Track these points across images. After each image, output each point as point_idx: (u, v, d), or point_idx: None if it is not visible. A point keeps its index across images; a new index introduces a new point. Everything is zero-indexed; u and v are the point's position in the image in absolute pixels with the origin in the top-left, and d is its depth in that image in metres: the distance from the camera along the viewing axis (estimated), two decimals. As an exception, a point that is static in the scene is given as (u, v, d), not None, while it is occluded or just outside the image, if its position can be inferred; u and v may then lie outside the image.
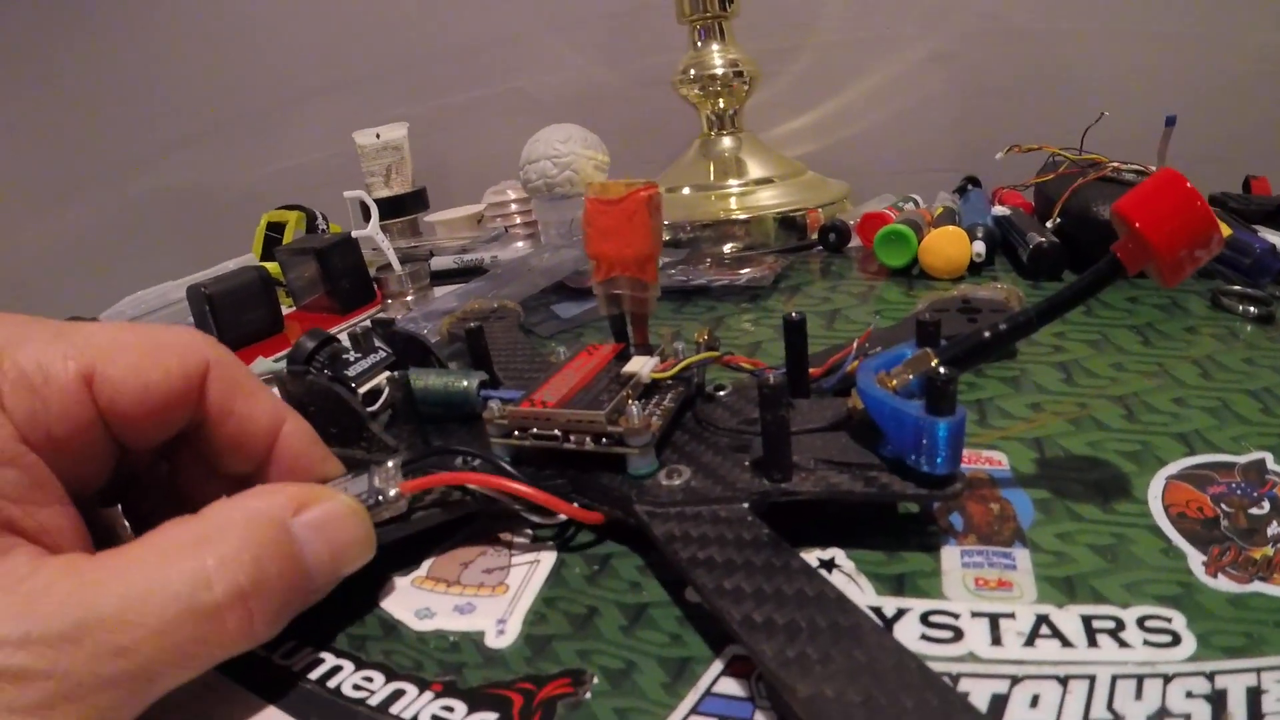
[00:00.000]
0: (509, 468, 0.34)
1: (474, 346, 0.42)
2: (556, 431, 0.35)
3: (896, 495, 0.30)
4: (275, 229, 1.01)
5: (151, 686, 0.25)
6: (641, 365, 0.36)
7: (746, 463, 0.33)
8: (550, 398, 0.35)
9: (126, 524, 0.35)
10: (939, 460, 0.29)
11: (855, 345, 0.39)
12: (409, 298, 0.81)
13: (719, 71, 0.84)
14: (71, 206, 1.66)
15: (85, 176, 1.64)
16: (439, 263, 0.89)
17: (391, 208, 1.09)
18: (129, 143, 1.58)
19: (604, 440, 0.34)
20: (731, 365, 0.38)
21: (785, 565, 0.28)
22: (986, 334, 0.33)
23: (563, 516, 0.34)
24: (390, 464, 0.34)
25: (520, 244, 0.92)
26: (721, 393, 0.39)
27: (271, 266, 0.87)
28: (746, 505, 0.31)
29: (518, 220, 1.04)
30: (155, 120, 1.55)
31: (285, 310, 0.84)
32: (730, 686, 0.26)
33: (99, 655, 0.24)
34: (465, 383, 0.40)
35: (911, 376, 0.32)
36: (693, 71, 0.85)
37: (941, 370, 0.28)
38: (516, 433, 0.36)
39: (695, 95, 0.86)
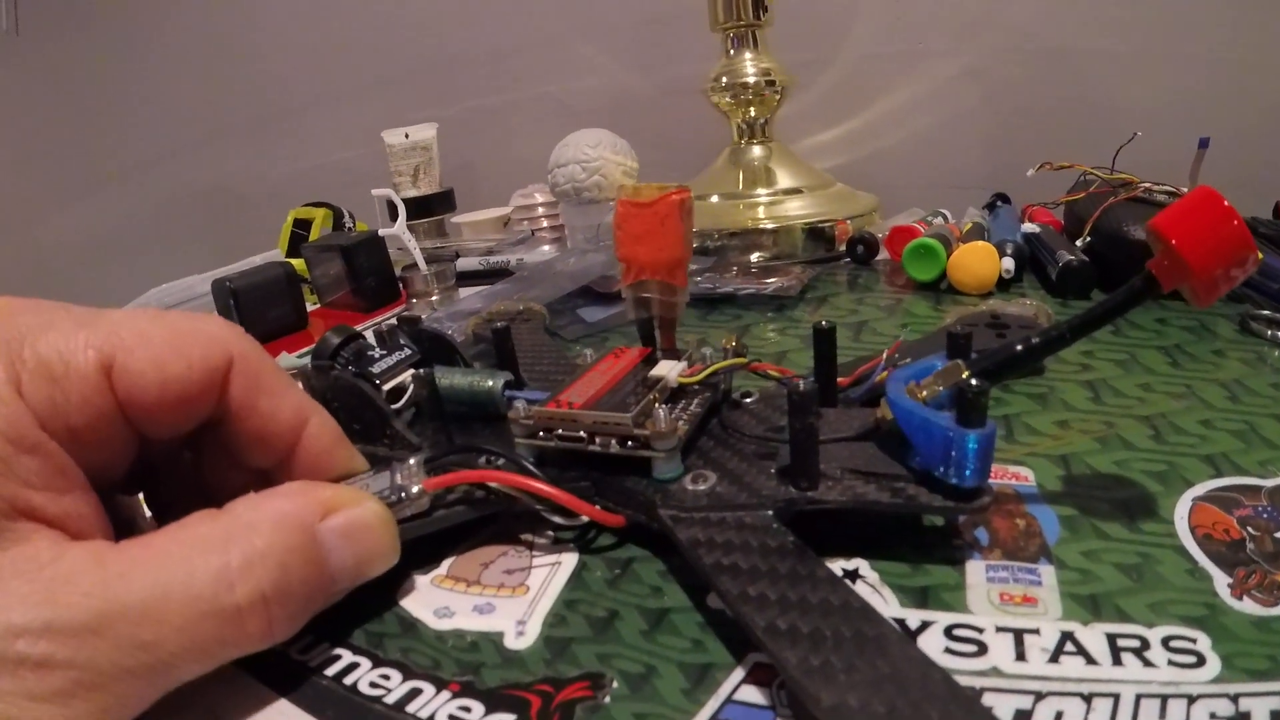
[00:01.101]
0: (532, 468, 0.34)
1: (500, 347, 0.42)
2: (582, 433, 0.34)
3: (924, 507, 0.30)
4: (302, 226, 1.02)
5: (169, 678, 0.25)
6: (669, 369, 0.36)
7: (773, 470, 0.33)
8: (577, 399, 0.35)
9: (148, 512, 0.35)
10: (968, 473, 0.29)
11: (885, 356, 0.39)
12: (434, 298, 0.81)
13: (751, 80, 0.84)
14: (100, 199, 1.68)
15: (114, 170, 1.65)
16: (465, 264, 0.89)
17: (418, 208, 1.09)
18: (159, 137, 1.60)
19: (629, 443, 0.34)
20: (759, 372, 0.38)
21: (810, 574, 0.28)
22: (1019, 347, 0.33)
23: (585, 518, 0.34)
24: (413, 461, 0.34)
25: (546, 247, 0.93)
26: (748, 400, 0.39)
27: (297, 263, 0.87)
28: (772, 513, 0.31)
29: (544, 224, 1.04)
30: (186, 115, 1.56)
31: (310, 307, 0.84)
32: (751, 694, 0.26)
33: (121, 647, 0.24)
34: (490, 382, 0.40)
35: (942, 388, 0.32)
36: (725, 79, 0.85)
37: (974, 382, 0.28)
38: (542, 433, 0.36)
39: (726, 103, 0.86)
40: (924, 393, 0.32)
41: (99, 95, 1.63)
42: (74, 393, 0.27)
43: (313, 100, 1.45)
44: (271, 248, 1.10)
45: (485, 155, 1.33)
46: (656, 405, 0.34)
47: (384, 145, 1.14)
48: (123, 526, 0.35)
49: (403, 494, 0.33)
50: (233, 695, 0.28)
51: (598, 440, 0.34)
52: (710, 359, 0.38)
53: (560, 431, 0.35)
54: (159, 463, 0.34)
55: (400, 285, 0.84)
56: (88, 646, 0.23)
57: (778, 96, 0.86)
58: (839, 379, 0.38)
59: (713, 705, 0.26)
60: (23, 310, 0.28)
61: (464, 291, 0.83)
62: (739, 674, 0.27)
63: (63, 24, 1.61)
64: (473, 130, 1.31)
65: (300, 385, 0.34)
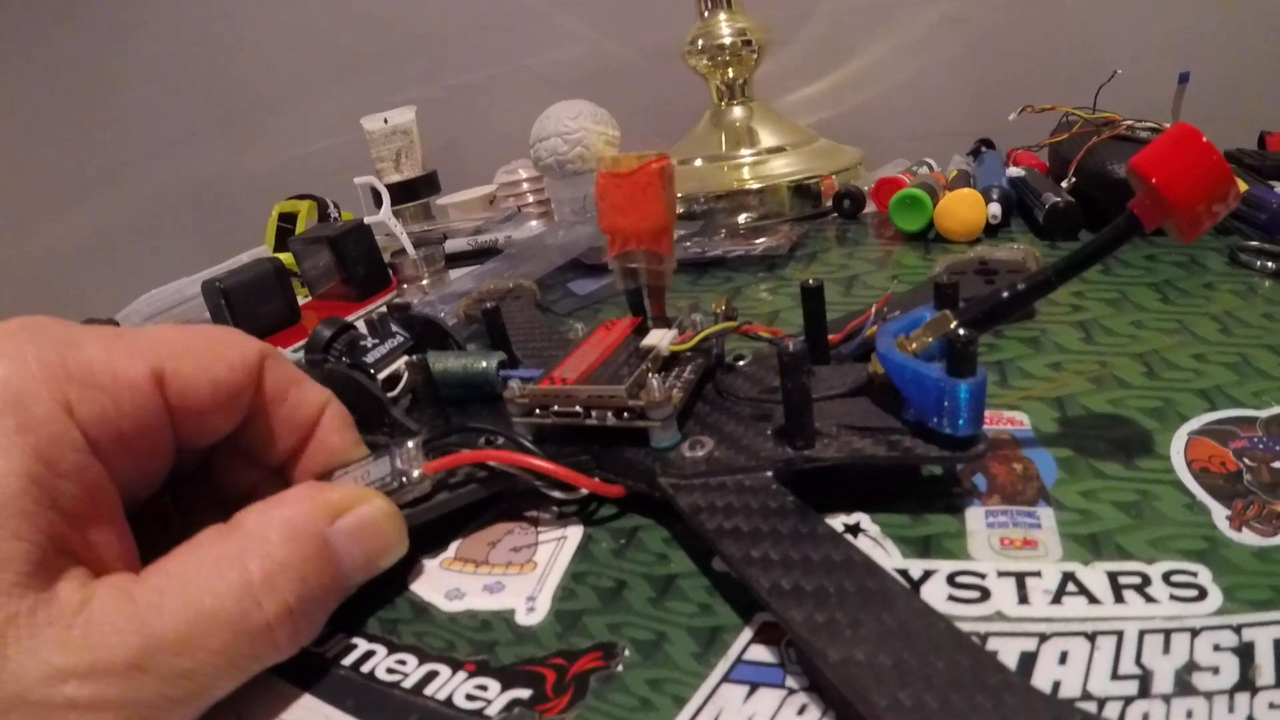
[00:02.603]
0: (529, 445, 0.35)
1: (492, 326, 0.42)
2: (578, 408, 0.35)
3: (920, 458, 0.30)
4: (287, 219, 1.01)
5: (209, 698, 0.26)
6: (660, 338, 0.36)
7: (769, 431, 0.33)
8: (570, 374, 0.35)
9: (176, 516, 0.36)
10: (961, 422, 0.29)
11: (874, 310, 0.39)
12: (425, 281, 0.81)
13: (726, 41, 0.84)
14: (79, 207, 1.67)
15: (90, 177, 1.64)
16: (453, 245, 0.89)
17: (403, 192, 1.09)
18: (133, 141, 1.59)
19: (625, 415, 0.34)
20: (750, 334, 0.38)
21: (811, 532, 0.28)
22: (1005, 294, 0.33)
23: (584, 491, 0.34)
24: (410, 444, 0.34)
25: (533, 223, 0.92)
26: (741, 363, 0.39)
27: (285, 257, 0.86)
28: (770, 474, 0.31)
29: (530, 199, 1.04)
30: (158, 116, 1.55)
31: (301, 300, 0.84)
32: (761, 653, 0.27)
33: (165, 679, 0.24)
34: (484, 363, 0.40)
35: (931, 339, 0.32)
36: (700, 42, 0.84)
37: (961, 332, 0.28)
38: (538, 411, 0.36)
39: (704, 66, 0.86)
40: (914, 345, 0.32)
41: (69, 104, 1.62)
42: (126, 401, 0.27)
43: (287, 91, 1.44)
44: (257, 244, 1.09)
45: (467, 134, 1.32)
46: (650, 375, 0.34)
47: (364, 132, 1.13)
48: (157, 531, 0.35)
49: (403, 479, 0.33)
50: (256, 694, 0.28)
51: (594, 414, 0.34)
52: (701, 325, 0.38)
53: (556, 408, 0.35)
54: (181, 471, 0.34)
55: (390, 272, 0.84)
56: (134, 683, 0.24)
57: (755, 56, 0.85)
58: (830, 336, 0.38)
59: (723, 666, 0.26)
60: (54, 327, 0.28)
61: (454, 273, 0.83)
62: (747, 634, 0.28)
63: (25, 35, 1.59)
64: (453, 110, 1.30)
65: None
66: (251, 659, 0.27)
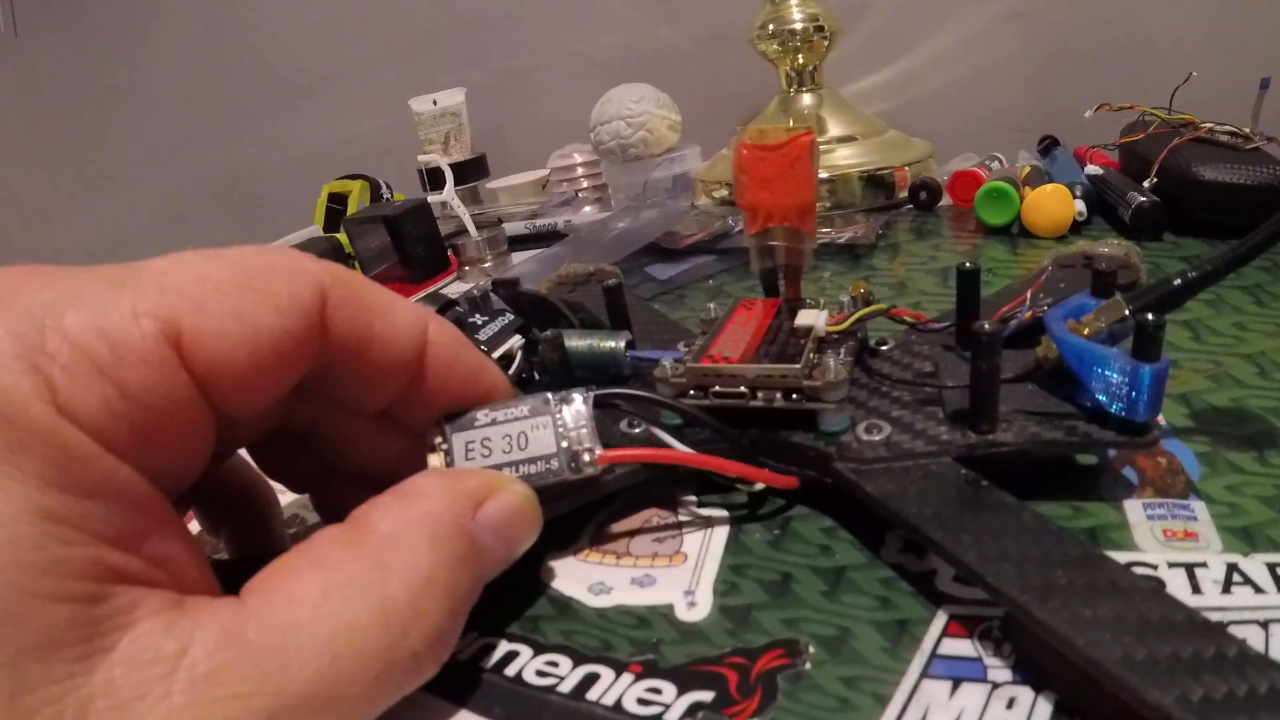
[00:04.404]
0: (710, 420, 0.32)
1: (614, 306, 0.40)
2: (743, 389, 0.32)
3: (1101, 443, 0.29)
4: (337, 200, 0.99)
5: None
6: (815, 318, 0.34)
7: (941, 415, 0.31)
8: (730, 353, 0.33)
9: (258, 471, 0.32)
10: (1141, 407, 0.28)
11: (1029, 295, 0.37)
12: (488, 264, 0.79)
13: (799, 26, 0.82)
14: (119, 194, 1.67)
15: (133, 162, 1.63)
16: (509, 229, 0.87)
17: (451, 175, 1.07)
18: (173, 126, 1.57)
19: (795, 396, 0.32)
20: (895, 318, 0.37)
21: (1017, 518, 0.26)
22: (1177, 281, 0.32)
23: (761, 486, 0.32)
24: (578, 398, 0.30)
25: (589, 208, 0.91)
26: (884, 347, 0.38)
27: (340, 238, 0.85)
28: (955, 459, 0.29)
29: (585, 184, 1.02)
30: (198, 101, 1.54)
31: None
32: (956, 647, 0.25)
33: None
34: (612, 343, 0.38)
35: (1104, 324, 0.31)
36: (771, 26, 0.82)
37: (1151, 316, 0.27)
38: (693, 392, 0.33)
39: (774, 51, 0.84)
40: (1086, 330, 0.31)
41: (105, 90, 1.61)
42: (133, 383, 0.20)
43: (329, 74, 1.43)
44: (300, 228, 1.08)
45: (515, 119, 1.30)
46: (827, 355, 0.32)
47: (411, 114, 1.12)
48: (236, 492, 0.32)
49: (573, 464, 0.29)
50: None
51: (760, 395, 0.32)
52: (845, 307, 0.36)
53: (717, 388, 0.33)
54: (241, 442, 0.29)
55: (450, 253, 0.82)
56: None
57: (826, 43, 0.83)
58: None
59: (919, 662, 0.25)
60: (29, 282, 0.20)
61: (516, 256, 0.81)
62: (937, 628, 0.26)
63: (60, 21, 1.58)
64: (501, 94, 1.28)
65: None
66: (394, 695, 0.22)
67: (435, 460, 0.29)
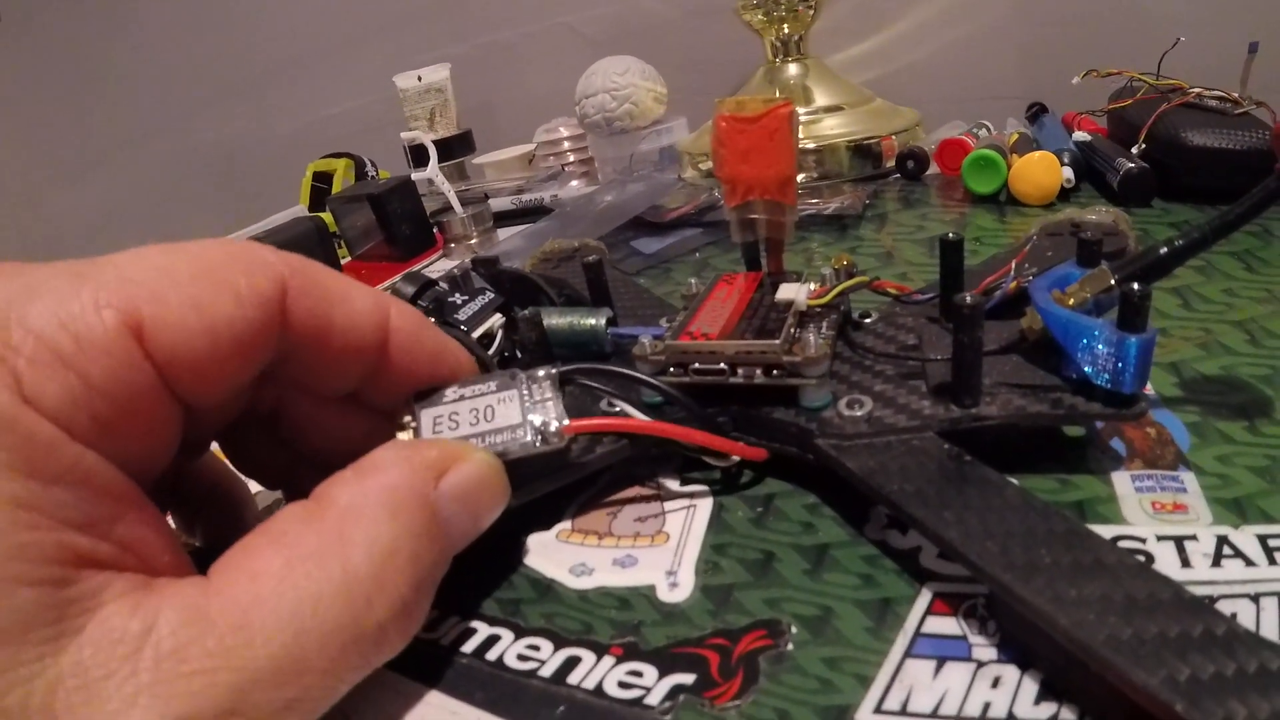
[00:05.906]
0: (681, 396, 0.31)
1: (595, 283, 0.40)
2: (722, 365, 0.32)
3: (1087, 415, 0.29)
4: (322, 179, 0.99)
5: (318, 713, 0.22)
6: (796, 292, 0.34)
7: (924, 389, 0.31)
8: (710, 329, 0.33)
9: (232, 469, 0.32)
10: (1127, 379, 0.27)
11: (1013, 265, 0.37)
12: (473, 241, 0.78)
13: (783, -5, 0.81)
14: (106, 173, 1.64)
15: (118, 143, 1.61)
16: (496, 204, 0.86)
17: (438, 151, 1.06)
18: (159, 104, 1.55)
19: (775, 372, 0.31)
20: (879, 290, 0.36)
21: (1001, 494, 0.26)
22: (1163, 250, 0.32)
23: (737, 459, 0.32)
24: (542, 375, 0.30)
25: (575, 182, 0.90)
26: (868, 320, 0.37)
27: (324, 217, 0.84)
28: (937, 434, 0.29)
29: (571, 158, 1.02)
30: (184, 78, 1.52)
31: (341, 261, 0.82)
32: (940, 625, 0.25)
33: (268, 716, 0.20)
34: (592, 321, 0.37)
35: (1090, 295, 0.31)
36: (756, -5, 0.81)
37: (1136, 286, 0.27)
38: (672, 369, 0.33)
39: (759, 20, 0.82)
40: (1071, 300, 0.31)
41: (88, 71, 1.59)
42: (96, 373, 0.21)
43: (314, 50, 1.40)
44: (288, 206, 1.07)
45: (502, 93, 1.29)
46: (806, 330, 0.31)
47: (395, 90, 1.11)
48: (209, 490, 0.32)
49: (540, 437, 0.29)
50: (364, 690, 0.23)
51: (740, 371, 0.32)
52: (829, 279, 0.36)
53: (697, 365, 0.32)
54: (209, 432, 0.29)
55: (436, 230, 0.81)
56: None
57: (812, 12, 0.82)
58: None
59: (902, 641, 0.25)
60: None
61: (502, 232, 0.81)
62: (921, 606, 0.26)
63: (43, 1, 1.56)
64: (487, 69, 1.27)
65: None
66: (361, 669, 0.22)
67: (404, 437, 0.29)
